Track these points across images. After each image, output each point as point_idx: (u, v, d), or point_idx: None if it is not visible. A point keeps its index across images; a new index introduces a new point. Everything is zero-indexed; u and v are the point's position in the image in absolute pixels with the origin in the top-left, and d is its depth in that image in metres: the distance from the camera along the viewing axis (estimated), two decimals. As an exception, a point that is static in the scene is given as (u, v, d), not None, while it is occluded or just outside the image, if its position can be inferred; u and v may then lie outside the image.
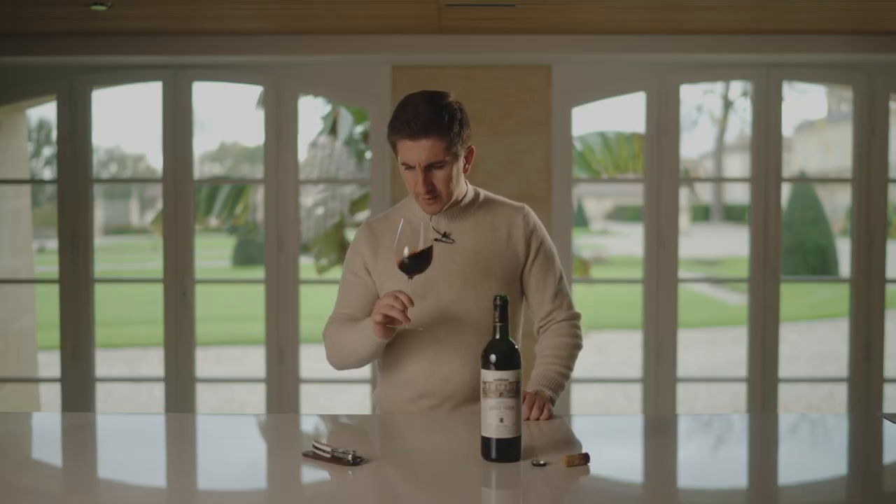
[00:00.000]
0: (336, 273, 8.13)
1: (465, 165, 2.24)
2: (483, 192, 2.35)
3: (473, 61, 4.37)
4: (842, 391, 7.67)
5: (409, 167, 2.17)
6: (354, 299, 2.31)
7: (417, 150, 2.12)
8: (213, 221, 8.27)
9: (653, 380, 4.50)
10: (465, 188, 2.29)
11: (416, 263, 2.07)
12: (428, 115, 2.12)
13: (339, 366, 2.31)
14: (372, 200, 4.50)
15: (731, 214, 30.17)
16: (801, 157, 32.27)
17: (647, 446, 2.05)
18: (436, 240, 2.23)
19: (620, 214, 32.56)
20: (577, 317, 2.36)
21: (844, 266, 14.90)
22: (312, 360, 9.39)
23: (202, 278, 4.68)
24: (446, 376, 2.22)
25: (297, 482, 1.79)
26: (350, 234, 7.98)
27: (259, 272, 14.81)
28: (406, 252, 2.06)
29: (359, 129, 7.15)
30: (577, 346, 2.35)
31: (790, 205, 15.03)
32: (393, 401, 2.30)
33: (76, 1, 3.63)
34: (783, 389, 7.74)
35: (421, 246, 2.05)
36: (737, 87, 26.44)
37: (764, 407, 4.50)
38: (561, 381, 2.30)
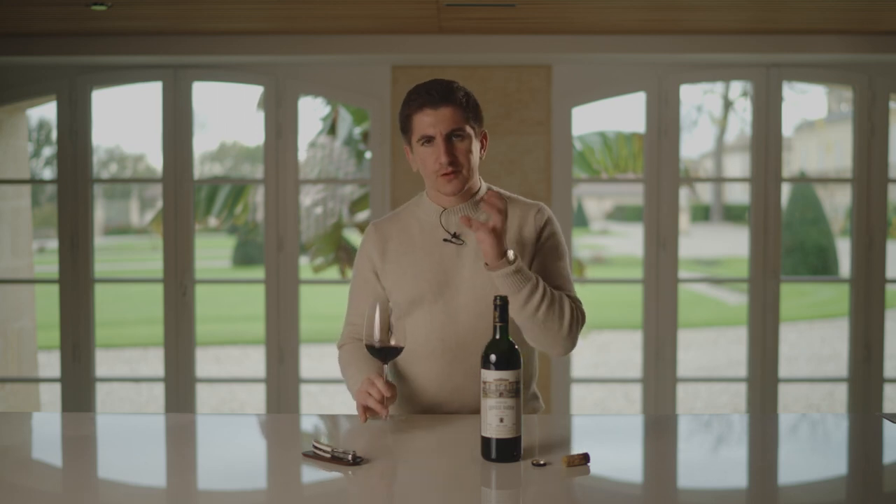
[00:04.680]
0: (333, 273, 8.13)
1: (480, 151, 2.20)
2: (496, 189, 2.27)
3: (473, 61, 4.37)
4: (842, 391, 7.69)
5: (428, 140, 2.12)
6: (365, 310, 2.20)
7: (439, 118, 2.10)
8: (213, 221, 8.26)
9: (653, 380, 4.50)
10: (478, 182, 2.24)
11: (385, 353, 2.06)
12: (446, 86, 2.13)
13: None
14: (372, 201, 4.50)
15: (731, 214, 30.19)
16: (801, 157, 32.27)
17: (647, 446, 2.05)
18: (445, 240, 2.19)
19: (620, 214, 32.58)
20: (579, 301, 2.17)
21: (844, 266, 14.90)
22: (312, 360, 9.43)
23: (202, 278, 4.67)
24: (457, 386, 2.18)
25: (297, 482, 1.79)
26: (349, 235, 7.97)
27: (259, 272, 14.86)
28: (377, 341, 2.04)
29: (358, 129, 7.15)
30: (572, 308, 2.10)
31: (790, 205, 15.03)
32: (402, 412, 2.25)
33: (76, 1, 3.63)
34: (783, 389, 7.77)
35: (389, 343, 2.04)
36: (737, 87, 26.45)
37: (764, 407, 4.50)
38: (534, 281, 2.04)
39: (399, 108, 2.21)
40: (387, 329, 2.04)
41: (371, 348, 2.04)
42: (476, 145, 2.17)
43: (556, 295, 2.09)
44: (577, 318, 2.12)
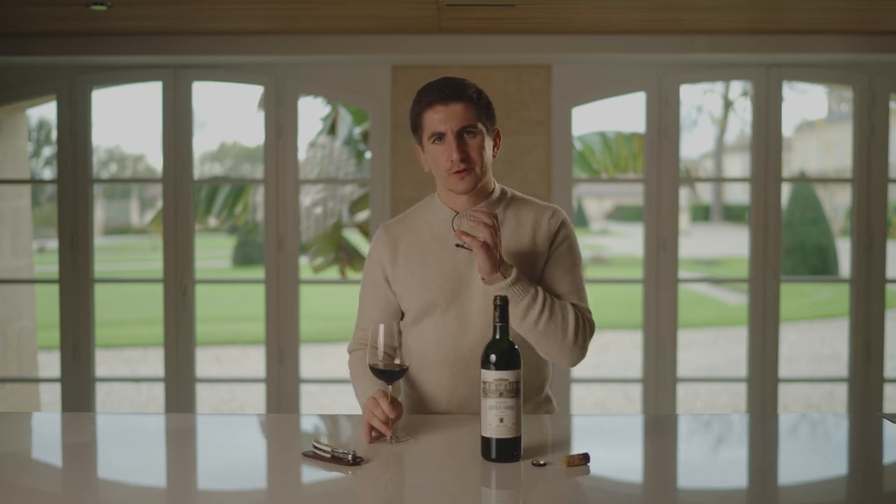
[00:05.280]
0: (333, 273, 8.13)
1: (493, 149, 2.17)
2: (511, 191, 2.24)
3: (473, 61, 4.37)
4: (842, 391, 7.70)
5: (439, 138, 2.09)
6: (375, 314, 2.21)
7: (450, 115, 2.07)
8: (213, 221, 8.27)
9: (653, 380, 4.50)
10: (492, 183, 2.20)
11: (388, 376, 2.01)
12: (457, 83, 2.11)
13: None
14: (372, 201, 4.50)
15: (731, 214, 30.19)
16: (801, 157, 32.28)
17: (647, 446, 2.05)
18: (457, 245, 2.13)
19: (620, 214, 32.59)
20: (587, 311, 2.15)
21: (844, 266, 14.90)
22: (312, 360, 9.43)
23: (202, 278, 4.67)
24: (467, 395, 2.16)
25: (297, 482, 1.79)
26: (349, 235, 7.97)
27: (259, 272, 14.86)
28: (381, 363, 2.00)
29: (358, 129, 7.16)
30: (576, 318, 2.07)
31: (790, 205, 15.03)
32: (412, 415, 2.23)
33: (76, 1, 3.63)
34: (783, 389, 7.77)
35: (394, 363, 1.99)
36: (737, 87, 26.46)
37: (764, 407, 4.50)
38: (533, 293, 2.04)
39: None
40: (393, 346, 1.99)
41: (375, 370, 2.01)
42: (489, 143, 2.14)
43: (557, 305, 2.07)
44: (583, 329, 2.09)
